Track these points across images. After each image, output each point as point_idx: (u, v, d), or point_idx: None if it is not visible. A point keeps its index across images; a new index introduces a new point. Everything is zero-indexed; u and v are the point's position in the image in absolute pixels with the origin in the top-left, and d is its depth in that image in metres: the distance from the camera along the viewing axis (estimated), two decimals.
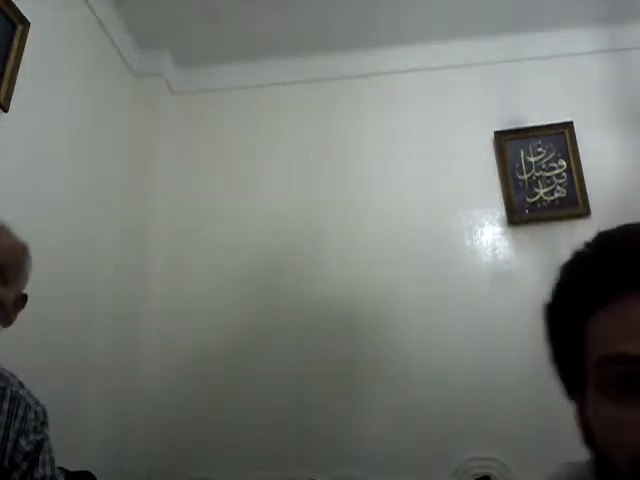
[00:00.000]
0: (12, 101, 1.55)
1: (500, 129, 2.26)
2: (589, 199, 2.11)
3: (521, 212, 2.16)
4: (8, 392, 0.91)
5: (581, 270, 0.54)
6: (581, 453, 0.63)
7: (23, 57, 1.60)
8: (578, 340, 0.53)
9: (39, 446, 0.91)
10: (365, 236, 2.19)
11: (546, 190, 2.17)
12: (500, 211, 2.18)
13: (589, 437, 0.53)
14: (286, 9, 2.21)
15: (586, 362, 0.52)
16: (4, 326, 0.93)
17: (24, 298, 0.98)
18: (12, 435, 0.87)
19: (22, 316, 0.97)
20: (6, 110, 1.54)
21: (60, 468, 0.97)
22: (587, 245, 0.55)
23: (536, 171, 2.19)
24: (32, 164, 1.68)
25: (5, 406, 0.89)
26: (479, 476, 1.82)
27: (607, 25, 2.32)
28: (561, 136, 2.21)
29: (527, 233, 2.14)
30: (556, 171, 2.18)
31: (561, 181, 2.17)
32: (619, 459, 0.47)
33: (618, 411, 0.48)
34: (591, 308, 0.52)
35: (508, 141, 2.24)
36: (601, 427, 0.50)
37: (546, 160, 2.20)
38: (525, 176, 2.19)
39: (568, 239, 2.07)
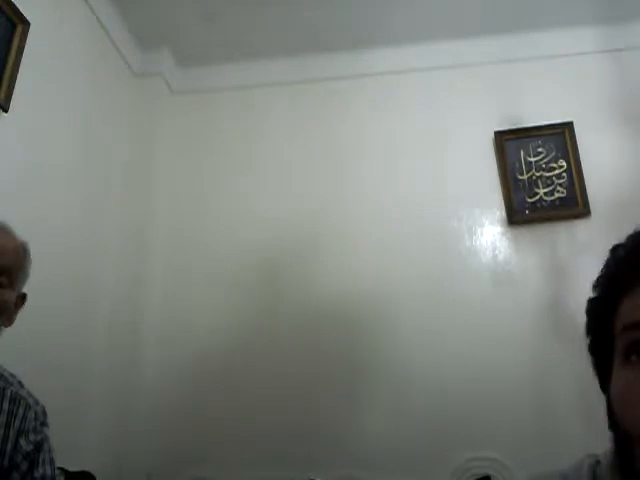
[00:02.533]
0: (12, 101, 1.55)
1: (500, 129, 2.25)
2: (589, 199, 2.11)
3: (521, 212, 2.16)
4: (8, 392, 0.91)
5: (612, 261, 0.58)
6: (580, 453, 0.63)
7: (23, 57, 1.60)
8: (609, 325, 0.55)
9: (39, 446, 0.91)
10: (364, 237, 2.19)
11: (546, 190, 2.17)
12: (500, 211, 2.18)
13: (613, 422, 0.54)
14: (285, 10, 2.21)
15: (615, 342, 0.54)
16: (5, 326, 0.93)
17: (23, 297, 0.98)
18: (12, 435, 0.87)
19: (23, 318, 0.97)
20: (6, 110, 1.54)
21: (60, 468, 0.98)
22: (628, 237, 0.58)
23: (536, 171, 2.19)
24: (32, 164, 1.68)
25: (5, 406, 0.89)
26: (479, 476, 1.82)
27: (607, 25, 2.32)
28: (561, 136, 2.21)
29: (527, 233, 2.14)
30: (556, 171, 2.18)
31: (561, 181, 2.17)
32: (636, 424, 0.48)
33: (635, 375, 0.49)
34: (620, 292, 0.54)
35: (508, 141, 2.24)
36: (620, 394, 0.52)
37: (546, 160, 2.20)
38: (525, 176, 2.19)
39: (568, 239, 2.08)
